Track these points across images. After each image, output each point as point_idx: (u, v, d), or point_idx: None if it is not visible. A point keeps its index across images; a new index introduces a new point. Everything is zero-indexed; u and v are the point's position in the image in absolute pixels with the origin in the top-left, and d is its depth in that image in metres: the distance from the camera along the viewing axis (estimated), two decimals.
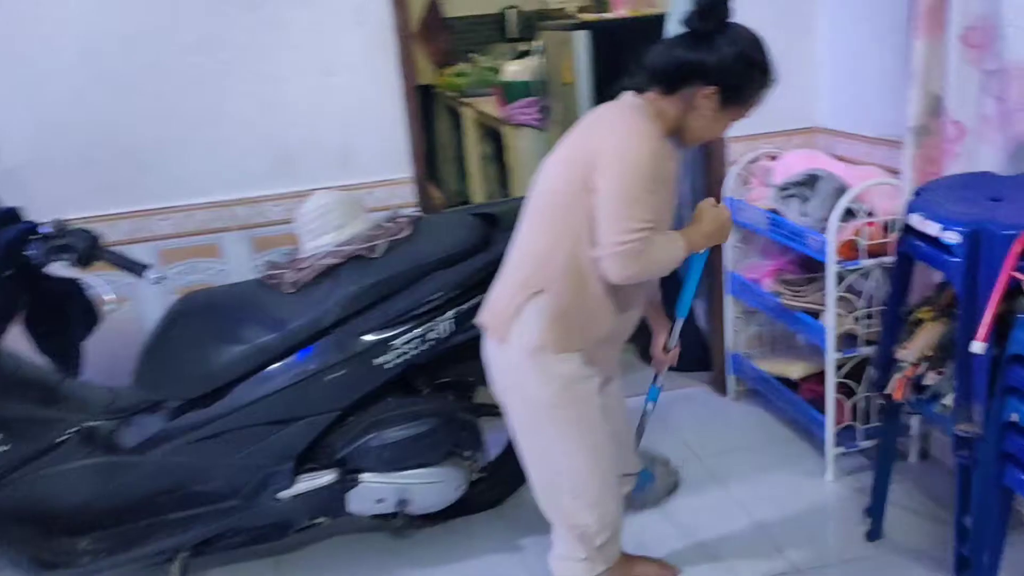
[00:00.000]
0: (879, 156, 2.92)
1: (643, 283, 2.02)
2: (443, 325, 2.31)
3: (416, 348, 2.30)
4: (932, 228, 2.00)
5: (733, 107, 1.90)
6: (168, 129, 2.87)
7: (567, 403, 1.93)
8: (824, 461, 2.85)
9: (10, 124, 2.74)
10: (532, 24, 6.90)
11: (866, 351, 2.72)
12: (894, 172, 2.81)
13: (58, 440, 2.28)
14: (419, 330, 2.30)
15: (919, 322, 2.20)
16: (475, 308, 2.31)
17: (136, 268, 2.14)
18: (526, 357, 1.91)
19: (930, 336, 2.12)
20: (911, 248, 2.13)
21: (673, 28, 3.13)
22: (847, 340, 2.72)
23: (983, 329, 1.85)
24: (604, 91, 4.09)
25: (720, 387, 3.46)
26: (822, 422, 2.83)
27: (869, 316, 2.70)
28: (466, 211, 2.60)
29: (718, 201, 2.23)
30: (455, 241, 2.35)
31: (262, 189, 2.95)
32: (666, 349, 2.40)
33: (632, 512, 2.54)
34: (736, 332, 3.34)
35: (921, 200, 2.11)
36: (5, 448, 2.21)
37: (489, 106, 5.36)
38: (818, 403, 2.95)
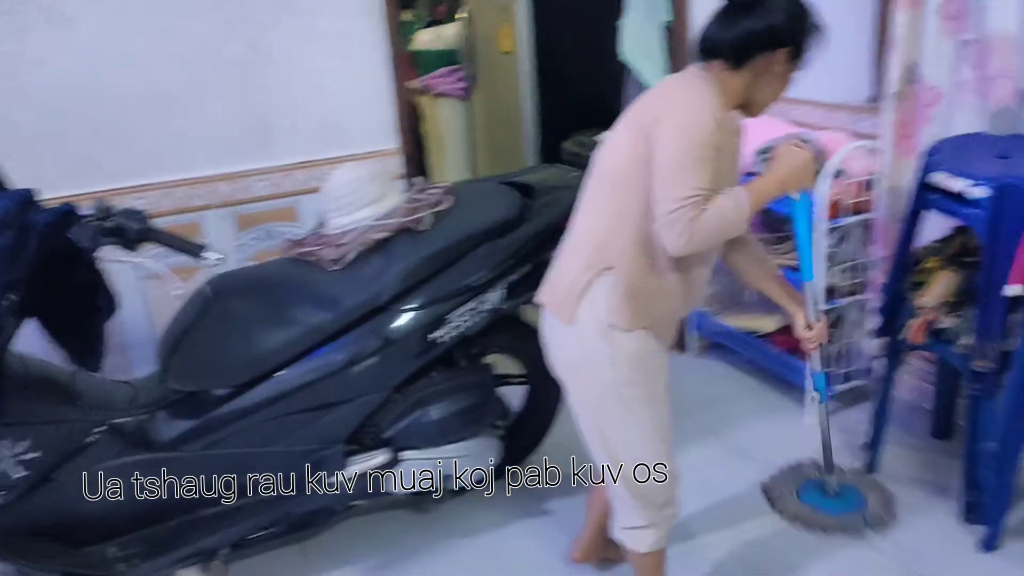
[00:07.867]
0: (838, 121, 3.14)
1: (708, 257, 1.98)
2: (494, 296, 2.30)
3: (468, 321, 2.28)
4: (958, 184, 2.20)
5: (796, 63, 1.90)
6: (139, 100, 2.66)
7: (638, 381, 1.90)
8: (800, 406, 3.08)
9: None
10: None
11: (844, 302, 2.96)
12: (857, 135, 3.04)
13: (87, 440, 2.09)
14: (472, 303, 2.27)
15: (926, 271, 2.42)
16: (523, 279, 2.32)
17: (192, 249, 1.96)
18: (597, 336, 1.86)
19: (948, 284, 2.33)
20: (928, 203, 2.33)
21: None
22: (828, 293, 2.93)
23: (1018, 273, 2.07)
24: (546, 60, 4.19)
25: (678, 344, 3.62)
26: (801, 369, 3.04)
27: (853, 269, 2.93)
28: (497, 180, 2.56)
29: None
30: (500, 211, 2.32)
31: (245, 163, 2.79)
32: (809, 326, 2.21)
33: (854, 538, 2.47)
34: None
35: (938, 159, 2.31)
36: (36, 455, 2.01)
37: None
38: (792, 353, 3.17)
